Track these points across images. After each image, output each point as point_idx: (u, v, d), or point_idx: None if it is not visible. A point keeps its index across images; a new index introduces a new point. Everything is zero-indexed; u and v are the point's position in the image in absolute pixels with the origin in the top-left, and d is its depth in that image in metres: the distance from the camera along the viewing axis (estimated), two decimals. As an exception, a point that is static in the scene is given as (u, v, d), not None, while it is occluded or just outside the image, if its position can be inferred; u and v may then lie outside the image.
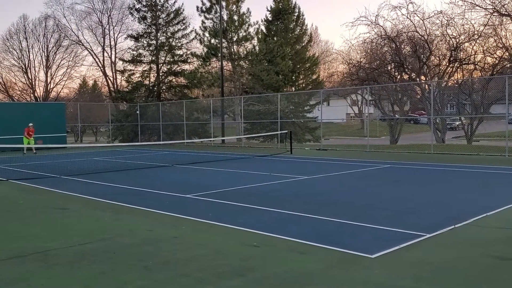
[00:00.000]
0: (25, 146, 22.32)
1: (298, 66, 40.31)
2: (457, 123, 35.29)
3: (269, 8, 40.42)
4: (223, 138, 28.87)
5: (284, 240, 5.88)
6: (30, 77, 50.10)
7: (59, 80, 51.53)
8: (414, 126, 43.93)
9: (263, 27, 39.92)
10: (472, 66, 26.31)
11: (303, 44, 41.66)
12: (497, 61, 25.45)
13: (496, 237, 5.90)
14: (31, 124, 23.58)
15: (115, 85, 47.97)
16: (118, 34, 54.39)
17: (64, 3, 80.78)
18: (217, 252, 5.45)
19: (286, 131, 23.51)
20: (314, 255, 5.23)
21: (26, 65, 49.77)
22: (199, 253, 5.40)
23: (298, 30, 41.14)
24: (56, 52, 50.10)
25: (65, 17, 71.94)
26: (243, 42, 36.58)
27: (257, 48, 36.53)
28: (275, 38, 38.79)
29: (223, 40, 34.27)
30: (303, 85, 41.29)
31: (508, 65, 25.09)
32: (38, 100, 48.02)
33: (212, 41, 36.24)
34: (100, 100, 53.25)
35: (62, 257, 5.33)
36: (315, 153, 20.60)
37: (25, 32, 49.41)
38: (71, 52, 50.53)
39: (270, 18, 40.44)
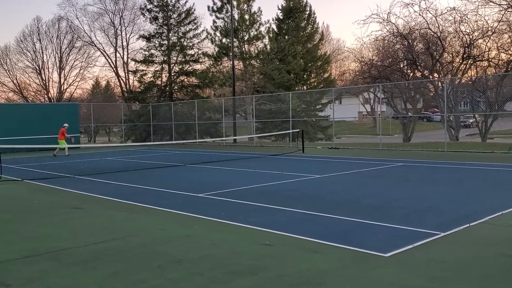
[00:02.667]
0: (62, 147, 21.66)
1: (310, 64, 40.19)
2: (471, 120, 34.94)
3: (280, 7, 40.37)
4: (235, 137, 28.90)
5: (297, 239, 5.86)
6: (44, 78, 50.73)
7: (73, 81, 52.14)
8: (427, 124, 43.57)
9: (274, 26, 39.90)
10: (486, 63, 25.98)
11: (315, 42, 41.52)
12: (511, 58, 25.10)
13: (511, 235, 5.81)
14: (66, 125, 22.42)
15: (128, 86, 48.32)
16: (130, 35, 55.06)
17: (77, 4, 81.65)
18: (230, 251, 5.45)
19: (298, 130, 23.45)
20: (327, 254, 5.21)
21: (40, 67, 50.40)
22: (212, 252, 5.41)
23: (309, 29, 41.01)
24: (69, 53, 50.67)
25: (77, 18, 72.67)
26: (254, 41, 36.59)
27: (268, 47, 36.50)
28: (286, 37, 38.72)
29: (234, 40, 34.30)
30: (315, 83, 41.16)
31: (523, 61, 24.73)
32: (52, 101, 48.57)
33: (223, 40, 36.32)
34: (113, 100, 53.67)
35: (76, 257, 5.38)
36: (327, 152, 20.52)
37: (38, 33, 50.03)
38: (84, 53, 51.08)
39: (281, 17, 40.37)
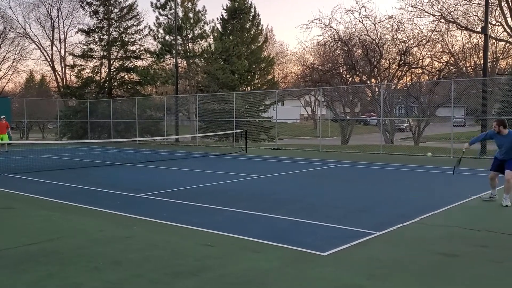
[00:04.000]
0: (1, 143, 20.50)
1: (254, 66, 40.46)
2: (405, 125, 36.58)
3: (225, 7, 40.34)
4: (177, 136, 28.52)
5: (239, 239, 5.88)
6: (-28, 70, 47.56)
7: (4, 74, 49.26)
8: (364, 127, 45.14)
9: (219, 26, 39.78)
10: (420, 70, 27.40)
11: (259, 44, 41.85)
12: (443, 66, 26.60)
13: (442, 234, 6.15)
14: (3, 116, 21.01)
15: (64, 81, 46.33)
16: (68, 28, 52.67)
17: (10, -7, 77.06)
18: (171, 252, 5.38)
19: (242, 130, 23.54)
20: (268, 254, 5.27)
21: (-32, 57, 47.19)
22: (153, 253, 5.32)
23: (254, 30, 41.28)
24: (0, 44, 47.80)
25: (11, 8, 69.10)
26: (199, 39, 36.29)
27: (212, 46, 36.35)
28: (231, 37, 38.75)
29: (178, 37, 33.87)
30: (259, 85, 41.49)
31: (454, 70, 26.28)
32: (-19, 94, 45.66)
33: (167, 37, 35.72)
34: (48, 95, 51.31)
35: (7, 259, 5.09)
36: (269, 152, 20.75)
37: (-34, 22, 46.79)
38: (18, 45, 48.32)
39: (226, 17, 40.35)
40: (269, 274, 4.59)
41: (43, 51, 48.02)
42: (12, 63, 49.06)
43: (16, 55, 48.79)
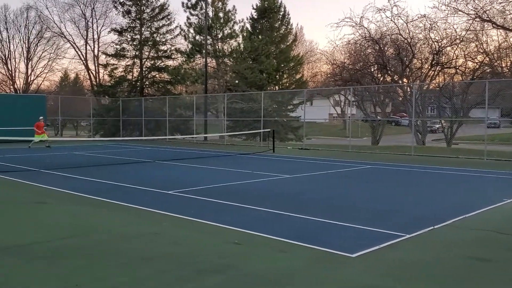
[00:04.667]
0: (36, 140, 21.51)
1: (282, 65, 40.36)
2: (438, 126, 35.82)
3: (255, 6, 40.38)
4: (205, 135, 28.76)
5: (265, 238, 5.87)
6: (10, 69, 49.19)
7: (40, 72, 50.75)
8: (395, 128, 44.41)
9: (248, 25, 39.88)
10: (453, 70, 26.74)
11: (288, 43, 41.72)
12: (477, 66, 25.90)
13: (474, 238, 5.99)
14: (41, 118, 22.46)
15: (98, 79, 47.39)
16: (101, 28, 53.71)
17: (47, -6, 79.37)
18: (198, 249, 5.42)
19: (269, 129, 23.53)
20: (294, 254, 5.24)
21: (6, 56, 48.85)
22: (180, 249, 5.37)
23: (283, 29, 41.17)
24: (37, 43, 49.30)
25: (47, 8, 71.01)
26: (228, 39, 36.50)
27: (241, 46, 36.47)
28: (260, 37, 38.78)
29: (208, 37, 34.13)
30: (287, 84, 41.37)
31: (488, 70, 25.55)
32: (18, 92, 47.14)
33: (197, 37, 36.10)
34: (82, 93, 52.52)
35: (40, 252, 5.24)
36: (297, 152, 20.66)
37: (5, 22, 48.46)
38: (53, 44, 49.77)
39: (255, 16, 40.38)
40: (295, 274, 4.57)
41: (77, 50, 49.30)
42: (48, 62, 50.56)
43: (51, 54, 50.26)
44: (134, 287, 4.23)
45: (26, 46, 48.81)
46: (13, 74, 49.46)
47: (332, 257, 5.10)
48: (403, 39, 26.52)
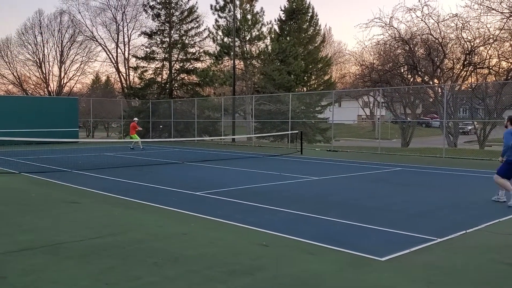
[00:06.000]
0: (135, 140, 22.23)
1: (310, 66, 40.16)
2: (470, 127, 35.00)
3: (283, 8, 40.33)
4: (233, 136, 28.89)
5: (294, 240, 5.86)
6: (44, 72, 50.64)
7: (73, 75, 52.06)
8: (426, 130, 43.61)
9: (276, 27, 39.86)
10: (486, 71, 26.03)
11: (316, 44, 41.51)
12: (512, 66, 25.15)
13: (508, 243, 5.83)
14: (135, 119, 23.32)
15: (128, 82, 48.25)
16: (132, 31, 54.69)
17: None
18: (226, 250, 5.45)
19: (297, 131, 23.46)
20: (323, 256, 5.21)
21: (41, 60, 50.31)
22: (209, 250, 5.41)
23: (311, 31, 40.99)
24: (70, 47, 50.57)
25: (80, 12, 72.83)
26: (256, 41, 36.56)
27: (269, 47, 36.47)
28: (288, 38, 38.70)
29: (236, 39, 34.28)
30: (315, 85, 41.15)
31: (523, 70, 24.78)
32: (52, 94, 48.48)
33: (225, 39, 36.27)
34: (113, 96, 53.58)
35: (72, 251, 5.37)
36: (325, 154, 20.53)
37: (40, 26, 49.93)
38: (85, 47, 50.97)
39: (283, 18, 40.34)
40: (324, 277, 4.54)
41: (108, 53, 50.32)
42: (80, 64, 51.81)
43: (83, 57, 51.48)
44: (163, 286, 4.29)
45: (60, 49, 50.19)
46: (47, 77, 50.93)
47: (362, 261, 5.05)
48: (434, 39, 26.01)
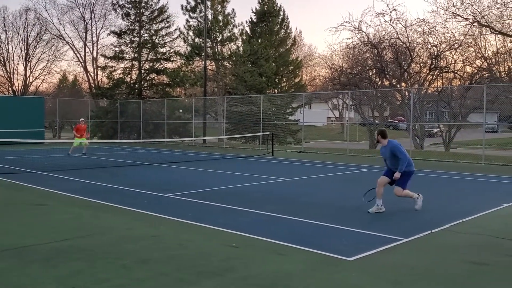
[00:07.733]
0: (74, 146, 19.11)
1: (282, 68, 40.47)
2: (436, 130, 35.87)
3: (254, 10, 40.52)
4: (204, 138, 28.77)
5: (263, 241, 5.89)
6: (9, 70, 49.12)
7: (39, 74, 50.71)
8: (393, 132, 44.36)
9: (247, 29, 40.00)
10: (451, 75, 26.79)
11: (287, 47, 41.85)
12: (476, 71, 25.96)
13: (471, 242, 6.01)
14: (82, 120, 20.10)
15: (96, 81, 47.41)
16: (100, 30, 53.85)
17: (46, -4, 79.36)
18: (196, 251, 5.43)
19: (268, 132, 23.55)
20: (293, 257, 5.26)
21: (5, 58, 48.81)
22: (178, 252, 5.38)
23: (282, 33, 41.31)
24: (36, 45, 49.27)
25: (46, 10, 71.19)
26: (227, 42, 36.54)
27: (241, 49, 36.52)
28: (259, 40, 38.88)
29: (207, 40, 34.16)
30: (286, 87, 41.47)
31: (486, 75, 25.62)
32: (17, 94, 47.11)
33: (196, 40, 36.11)
34: (80, 96, 52.53)
35: (37, 254, 5.24)
36: (296, 155, 20.69)
37: (4, 24, 48.47)
38: (52, 46, 49.77)
39: (255, 20, 40.51)
40: (293, 277, 4.58)
41: (76, 52, 49.31)
42: (47, 63, 50.53)
43: (50, 56, 50.25)
44: (132, 289, 4.24)
45: (25, 48, 48.82)
46: (12, 76, 49.45)
47: (330, 261, 5.12)
48: (401, 43, 26.58)
